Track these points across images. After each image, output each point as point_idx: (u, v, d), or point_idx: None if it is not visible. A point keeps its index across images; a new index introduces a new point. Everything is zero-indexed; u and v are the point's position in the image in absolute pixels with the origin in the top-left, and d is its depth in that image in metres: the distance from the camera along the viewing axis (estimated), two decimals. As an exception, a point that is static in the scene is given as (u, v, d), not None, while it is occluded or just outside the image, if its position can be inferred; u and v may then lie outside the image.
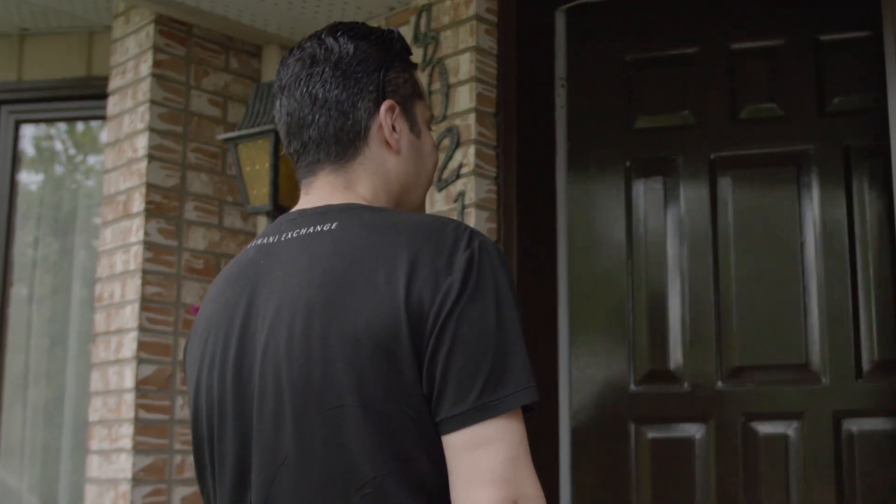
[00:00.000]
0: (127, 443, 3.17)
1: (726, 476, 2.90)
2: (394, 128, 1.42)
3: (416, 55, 3.04)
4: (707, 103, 2.99)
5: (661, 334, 2.94)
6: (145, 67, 3.40)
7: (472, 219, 2.87)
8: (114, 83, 3.53)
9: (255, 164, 3.13)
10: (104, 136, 3.74)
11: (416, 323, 1.22)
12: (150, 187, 3.32)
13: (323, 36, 1.44)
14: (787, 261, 2.89)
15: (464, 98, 2.95)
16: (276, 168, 3.08)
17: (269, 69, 3.59)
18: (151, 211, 3.31)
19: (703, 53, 3.02)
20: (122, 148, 3.43)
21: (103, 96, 3.62)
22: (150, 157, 3.33)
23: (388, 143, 1.42)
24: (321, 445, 1.24)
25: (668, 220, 3.01)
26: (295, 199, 3.15)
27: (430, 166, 1.49)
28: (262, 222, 3.48)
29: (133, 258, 3.30)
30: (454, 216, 2.90)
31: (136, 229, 3.31)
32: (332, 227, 1.33)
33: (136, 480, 3.15)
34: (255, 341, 1.32)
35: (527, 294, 2.87)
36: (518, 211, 2.91)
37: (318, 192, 1.42)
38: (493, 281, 1.23)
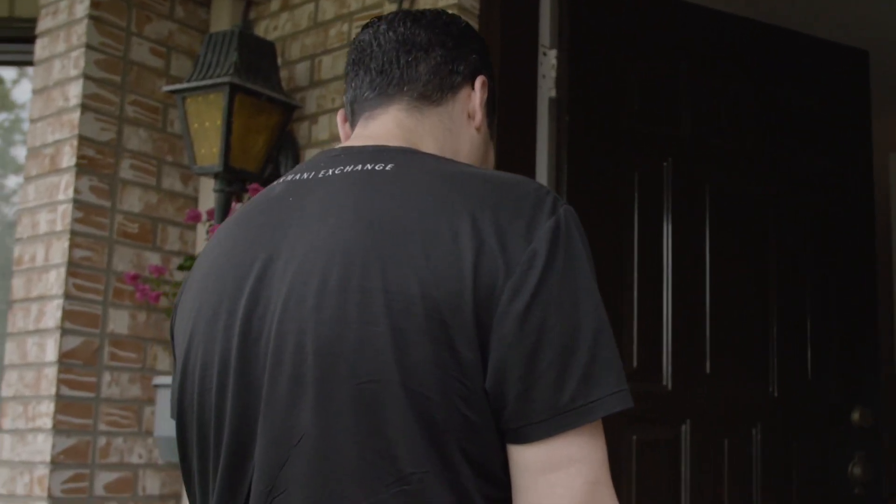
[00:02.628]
0: (46, 422, 2.85)
1: (701, 478, 2.78)
2: (481, 103, 1.30)
3: (390, 10, 2.79)
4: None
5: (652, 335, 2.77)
6: (81, 8, 3.06)
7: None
8: (43, 24, 3.18)
9: (205, 121, 2.83)
10: (20, 86, 3.38)
11: (484, 295, 1.01)
12: (83, 140, 2.99)
13: (431, 12, 1.34)
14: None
15: (442, 59, 2.70)
16: (228, 125, 2.79)
17: (219, 21, 3.28)
18: (83, 167, 2.98)
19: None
20: (51, 95, 3.09)
21: (27, 40, 3.28)
22: (84, 108, 3.00)
23: (469, 115, 1.29)
24: (350, 426, 1.01)
25: (664, 211, 2.84)
26: (250, 160, 2.93)
27: (490, 166, 1.36)
28: (206, 185, 3.18)
29: (60, 218, 2.96)
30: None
31: (64, 186, 2.98)
32: (387, 168, 1.13)
33: (56, 464, 2.83)
34: (275, 291, 1.10)
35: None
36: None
37: (379, 127, 1.25)
38: (582, 259, 1.05)
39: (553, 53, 2.84)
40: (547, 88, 2.83)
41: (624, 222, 2.83)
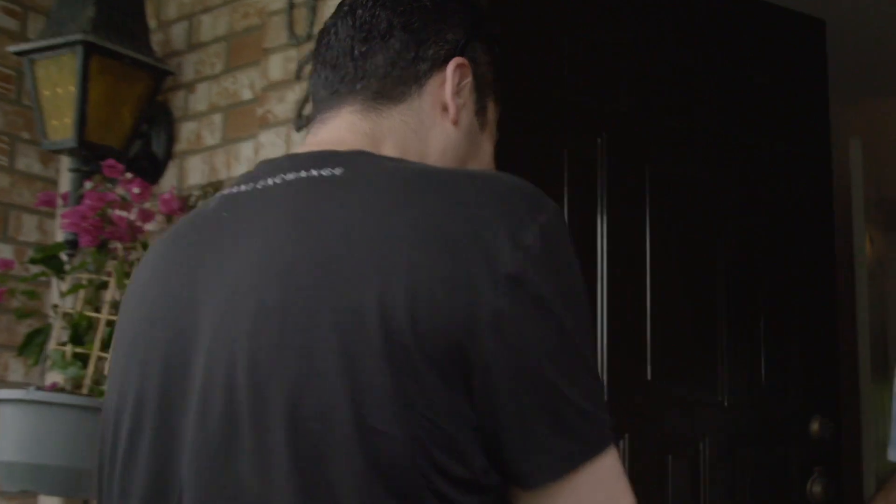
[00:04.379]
0: None
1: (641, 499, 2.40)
2: (457, 92, 1.11)
3: (277, -43, 2.38)
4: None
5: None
6: (-83, -42, 2.61)
7: (341, 168, 2.21)
8: None
9: (57, 87, 2.39)
10: None
11: (460, 317, 0.86)
12: (-83, 112, 2.53)
13: None
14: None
15: (336, 13, 2.29)
16: (84, 92, 2.35)
17: (86, -25, 2.83)
18: (-83, 143, 2.52)
19: None
20: None
21: None
22: (-81, 74, 2.54)
23: (444, 108, 1.11)
24: (291, 473, 0.87)
25: (598, 196, 2.47)
26: (112, 134, 2.50)
27: (482, 165, 1.18)
28: (66, 165, 2.73)
29: None
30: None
31: None
32: (335, 173, 0.98)
33: None
34: (203, 317, 0.96)
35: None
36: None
37: (329, 133, 1.09)
38: (568, 270, 0.93)
39: (470, 12, 2.44)
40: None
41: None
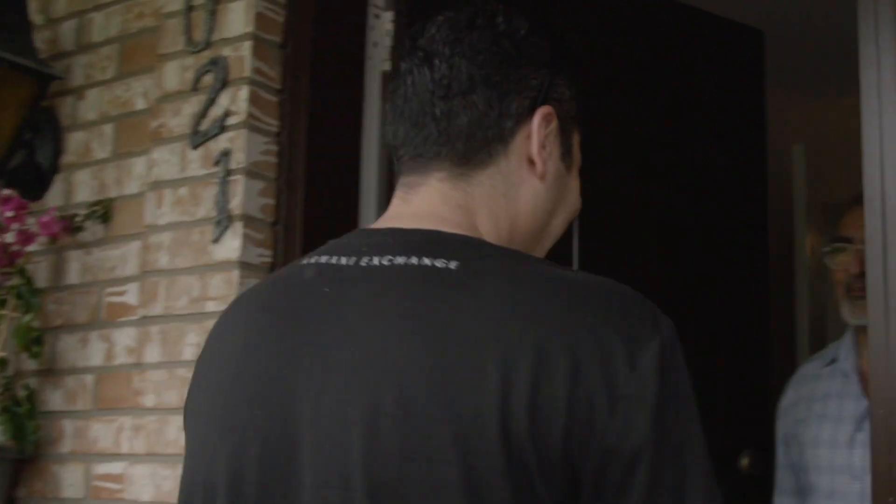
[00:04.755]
0: None
1: None
2: (543, 145, 1.08)
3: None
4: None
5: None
6: None
7: (239, 190, 2.01)
8: None
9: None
10: None
11: (580, 432, 0.88)
12: None
13: (491, 3, 1.11)
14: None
15: (237, 18, 2.08)
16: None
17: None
18: None
19: None
20: None
21: None
22: None
23: (531, 162, 1.08)
24: None
25: None
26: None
27: (570, 213, 1.16)
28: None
29: None
30: (213, 186, 2.04)
31: None
32: (451, 267, 0.96)
33: None
34: (306, 404, 0.95)
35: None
36: (308, 182, 2.08)
37: (423, 203, 1.06)
38: (683, 387, 0.93)
39: (388, 17, 2.23)
40: (379, 59, 2.23)
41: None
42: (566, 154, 1.12)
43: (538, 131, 1.07)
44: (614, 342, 0.90)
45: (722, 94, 2.68)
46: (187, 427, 1.09)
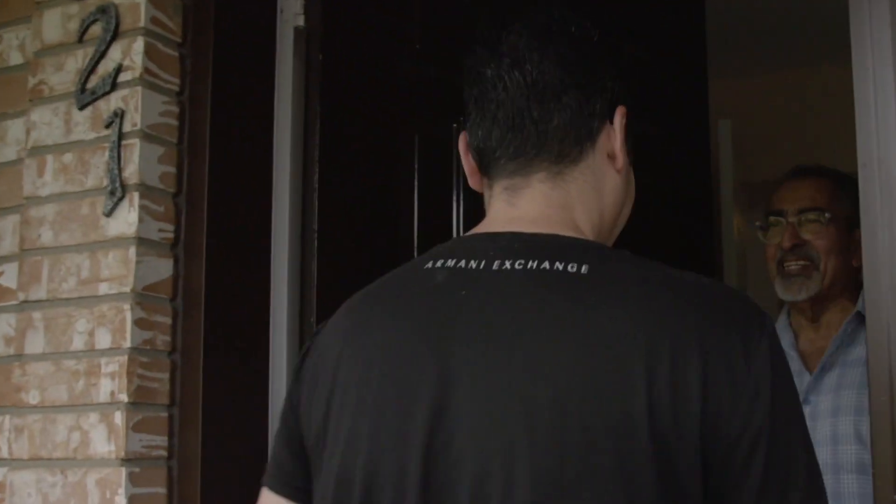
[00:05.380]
0: None
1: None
2: (624, 141, 1.18)
3: None
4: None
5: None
6: None
7: (135, 157, 1.75)
8: None
9: None
10: None
11: (711, 424, 0.99)
12: None
13: (557, 10, 1.19)
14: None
15: (130, -40, 1.82)
16: None
17: None
18: None
19: None
20: None
21: None
22: None
23: (611, 157, 1.18)
24: None
25: (454, 190, 2.10)
26: None
27: (633, 200, 1.25)
28: None
29: None
30: (104, 152, 1.78)
31: None
32: (583, 272, 1.05)
33: None
34: (464, 406, 1.02)
35: (223, 288, 1.83)
36: (214, 147, 1.83)
37: (530, 206, 1.14)
38: (793, 383, 1.07)
39: (301, -33, 2.01)
40: (291, 14, 1.99)
41: (398, 203, 2.05)
42: (631, 148, 1.23)
43: (620, 129, 1.18)
44: (734, 340, 1.01)
45: (663, 62, 2.51)
46: (309, 402, 1.14)
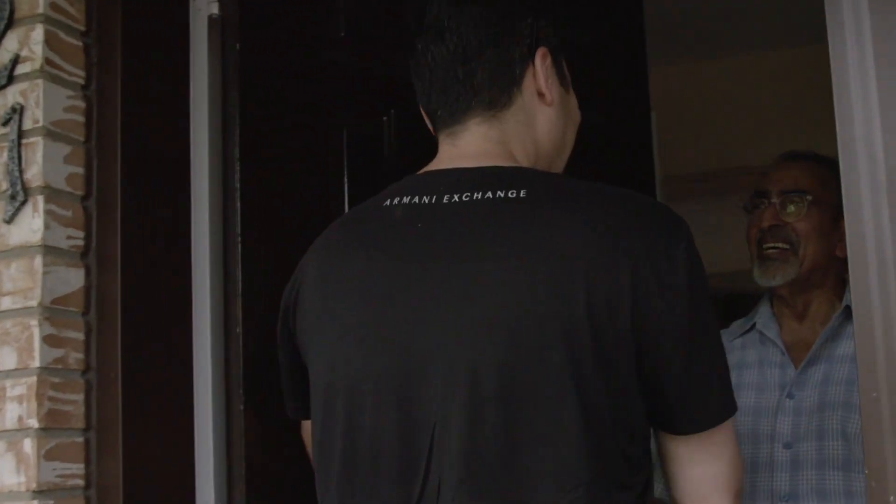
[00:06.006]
0: None
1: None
2: (546, 79, 1.38)
3: None
4: None
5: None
6: None
7: (37, 157, 1.59)
8: None
9: None
10: None
11: (639, 317, 1.19)
12: None
13: None
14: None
15: (26, -61, 1.64)
16: None
17: None
18: None
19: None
20: None
21: None
22: None
23: (540, 95, 1.37)
24: (534, 439, 1.19)
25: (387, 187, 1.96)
26: None
27: (576, 124, 1.46)
28: None
29: None
30: (2, 151, 1.61)
31: None
32: (522, 195, 1.24)
33: None
34: (434, 319, 1.22)
35: (141, 299, 1.67)
36: (126, 145, 1.67)
37: (469, 144, 1.35)
38: (703, 275, 1.25)
39: (213, -50, 1.86)
40: (205, 2, 1.84)
41: (327, 201, 1.92)
42: (562, 79, 1.41)
43: (541, 69, 1.36)
44: (658, 244, 1.20)
45: (602, 47, 2.42)
46: (309, 338, 1.34)
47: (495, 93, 1.33)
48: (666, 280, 1.18)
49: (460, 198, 1.25)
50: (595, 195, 1.26)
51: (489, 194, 1.24)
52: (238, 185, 1.80)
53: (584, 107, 2.36)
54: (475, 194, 1.24)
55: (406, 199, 1.30)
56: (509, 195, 1.23)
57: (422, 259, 1.24)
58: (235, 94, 1.83)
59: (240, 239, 1.78)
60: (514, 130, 1.34)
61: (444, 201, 1.26)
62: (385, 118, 2.00)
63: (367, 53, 1.99)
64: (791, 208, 1.99)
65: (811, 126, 3.90)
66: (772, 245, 1.97)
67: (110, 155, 1.67)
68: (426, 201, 1.27)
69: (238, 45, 1.83)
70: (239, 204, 1.80)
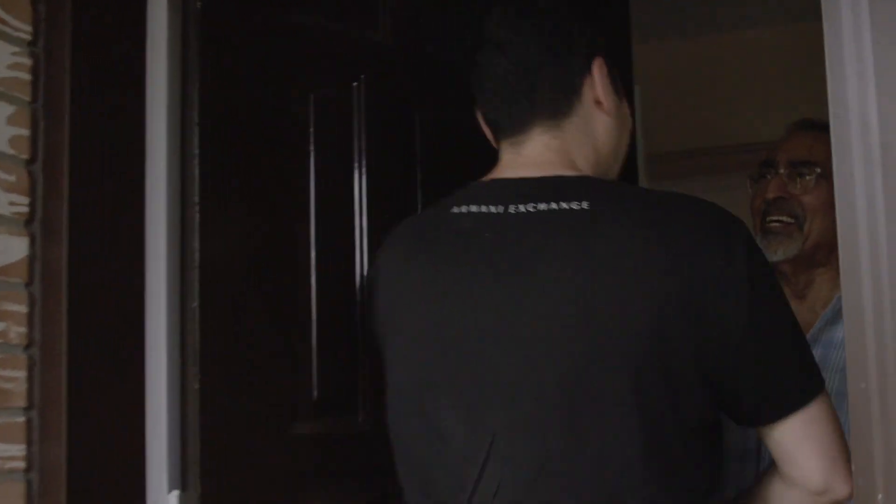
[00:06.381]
0: None
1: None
2: (604, 88, 1.44)
3: None
4: None
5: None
6: None
7: (-22, 117, 1.49)
8: None
9: None
10: None
11: (703, 322, 1.23)
12: None
13: None
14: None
15: None
16: None
17: None
18: None
19: None
20: None
21: None
22: None
23: (598, 103, 1.44)
24: (596, 447, 1.23)
25: (356, 154, 1.88)
26: None
27: (630, 131, 1.51)
28: None
29: None
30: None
31: None
32: (584, 207, 1.29)
33: None
34: (495, 328, 1.29)
35: (90, 270, 1.57)
36: (76, 106, 1.57)
37: (532, 153, 1.41)
38: (772, 277, 1.31)
39: None
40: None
41: (292, 170, 1.82)
42: (616, 88, 1.47)
43: (599, 80, 1.43)
44: (717, 248, 1.24)
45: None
46: (382, 337, 1.45)
47: (556, 103, 1.41)
48: (726, 281, 1.23)
49: (525, 208, 1.31)
50: (653, 202, 1.31)
51: (553, 205, 1.30)
52: (196, 152, 1.69)
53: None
54: (539, 205, 1.31)
55: (474, 208, 1.37)
56: (573, 206, 1.29)
57: (488, 270, 1.31)
58: (195, 54, 1.72)
59: (198, 208, 1.68)
60: (574, 139, 1.41)
61: (511, 211, 1.33)
62: (355, 83, 1.90)
63: (336, 15, 1.89)
64: (799, 181, 1.90)
65: (800, 103, 3.83)
66: (776, 218, 1.89)
67: (58, 116, 1.56)
68: (493, 211, 1.34)
69: (199, 4, 1.72)
70: (197, 171, 1.69)
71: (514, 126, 1.42)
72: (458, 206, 1.39)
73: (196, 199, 1.69)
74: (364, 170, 1.89)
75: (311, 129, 1.85)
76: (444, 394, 1.32)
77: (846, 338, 1.10)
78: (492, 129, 1.48)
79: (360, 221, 1.88)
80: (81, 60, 1.59)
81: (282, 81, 1.82)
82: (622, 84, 1.48)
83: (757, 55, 4.03)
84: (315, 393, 1.79)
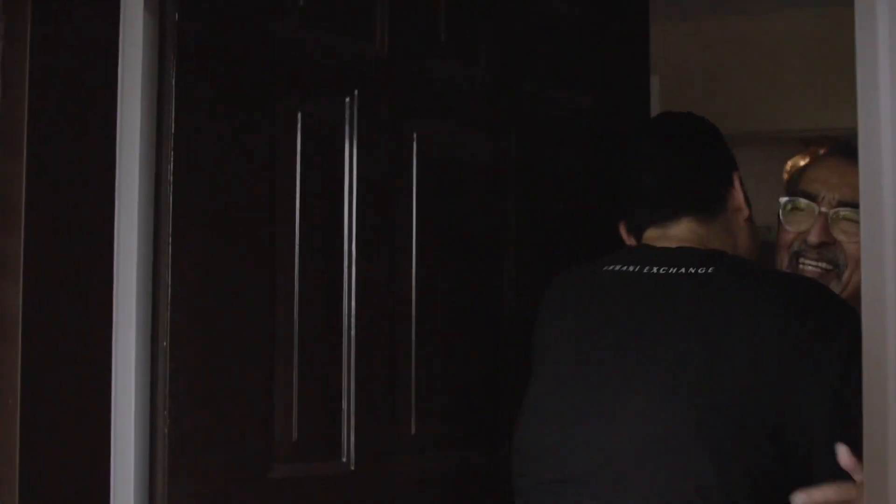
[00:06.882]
0: None
1: None
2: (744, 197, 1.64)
3: None
4: None
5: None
6: None
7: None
8: None
9: None
10: None
11: (803, 395, 1.36)
12: None
13: (677, 119, 1.72)
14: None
15: None
16: None
17: None
18: None
19: None
20: None
21: None
22: None
23: (737, 209, 1.62)
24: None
25: (346, 175, 1.75)
26: None
27: (759, 239, 1.68)
28: None
29: None
30: None
31: None
32: (710, 272, 1.47)
33: None
34: (619, 376, 1.47)
35: (46, 304, 1.45)
36: (35, 94, 1.44)
37: (676, 231, 1.59)
38: (859, 362, 1.25)
39: None
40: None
41: (277, 193, 1.69)
42: (746, 197, 1.64)
43: (740, 189, 1.63)
44: (828, 328, 1.39)
45: (594, 19, 2.17)
46: (534, 365, 1.66)
47: (703, 207, 1.59)
48: (822, 366, 1.36)
49: (658, 270, 1.50)
50: (775, 281, 1.50)
51: (682, 269, 1.48)
52: (171, 178, 1.57)
53: (570, 88, 2.14)
54: (671, 269, 1.49)
55: (615, 267, 1.56)
56: (699, 271, 1.47)
57: (619, 323, 1.51)
58: (172, 66, 1.58)
59: (171, 240, 1.56)
60: (716, 235, 1.59)
61: (645, 271, 1.51)
62: (347, 99, 1.76)
63: (326, 28, 1.75)
64: (844, 225, 1.68)
65: (827, 91, 3.66)
66: (813, 264, 1.70)
67: (17, 106, 1.44)
68: (631, 270, 1.53)
69: (177, 15, 1.58)
70: (171, 199, 1.57)
71: (661, 221, 1.60)
72: (609, 265, 1.57)
73: (170, 229, 1.56)
74: (354, 192, 1.76)
75: (298, 147, 1.72)
76: (568, 436, 1.50)
77: (864, 363, 1.06)
78: (633, 233, 1.64)
79: (350, 249, 1.76)
80: (44, 43, 1.47)
81: (267, 97, 1.68)
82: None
83: (786, 39, 3.85)
84: (295, 434, 1.67)
